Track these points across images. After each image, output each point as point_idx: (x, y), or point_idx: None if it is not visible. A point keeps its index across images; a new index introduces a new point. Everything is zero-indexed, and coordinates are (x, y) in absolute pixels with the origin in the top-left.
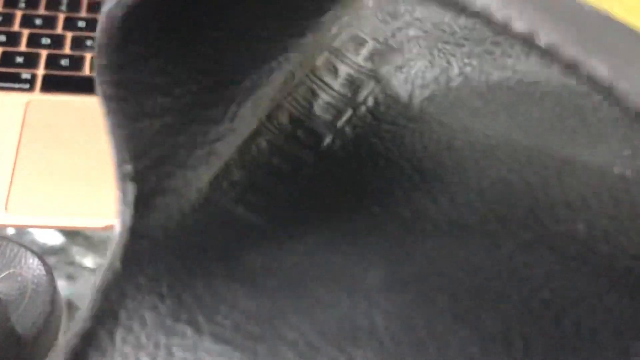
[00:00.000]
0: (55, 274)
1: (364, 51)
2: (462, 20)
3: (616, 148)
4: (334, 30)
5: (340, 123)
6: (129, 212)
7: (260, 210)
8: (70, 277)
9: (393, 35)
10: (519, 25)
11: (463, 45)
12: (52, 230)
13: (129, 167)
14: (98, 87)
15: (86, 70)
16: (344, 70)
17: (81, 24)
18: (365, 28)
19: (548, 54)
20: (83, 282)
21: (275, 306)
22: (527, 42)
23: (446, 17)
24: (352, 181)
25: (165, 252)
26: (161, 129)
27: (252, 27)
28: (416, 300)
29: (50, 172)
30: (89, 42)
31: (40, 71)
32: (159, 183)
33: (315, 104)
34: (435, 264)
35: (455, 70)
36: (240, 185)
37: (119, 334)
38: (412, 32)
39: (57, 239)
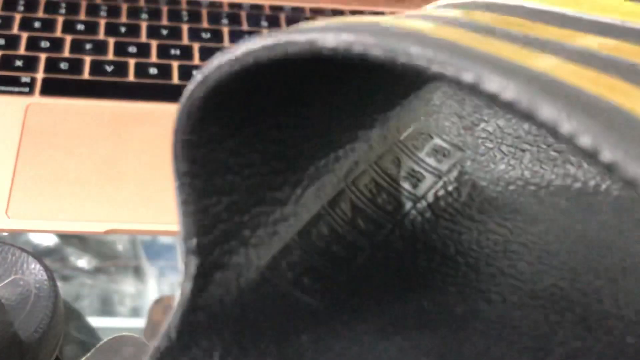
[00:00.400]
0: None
1: (428, 147)
2: (527, 126)
3: None
4: (401, 124)
5: (399, 215)
6: (189, 284)
7: (316, 294)
8: (65, 279)
9: (459, 135)
10: (585, 140)
11: (526, 150)
12: (48, 233)
13: (194, 241)
14: (173, 162)
15: (85, 74)
16: (407, 164)
17: (80, 27)
18: (432, 125)
19: (611, 170)
20: (77, 283)
21: None
22: (592, 156)
23: (513, 122)
24: (406, 273)
25: (220, 326)
26: (228, 207)
27: (324, 118)
28: None
29: (51, 176)
30: (88, 46)
31: (40, 74)
32: (221, 258)
33: (377, 195)
34: None
35: (517, 173)
36: (299, 268)
37: None
38: (477, 133)
39: (51, 240)
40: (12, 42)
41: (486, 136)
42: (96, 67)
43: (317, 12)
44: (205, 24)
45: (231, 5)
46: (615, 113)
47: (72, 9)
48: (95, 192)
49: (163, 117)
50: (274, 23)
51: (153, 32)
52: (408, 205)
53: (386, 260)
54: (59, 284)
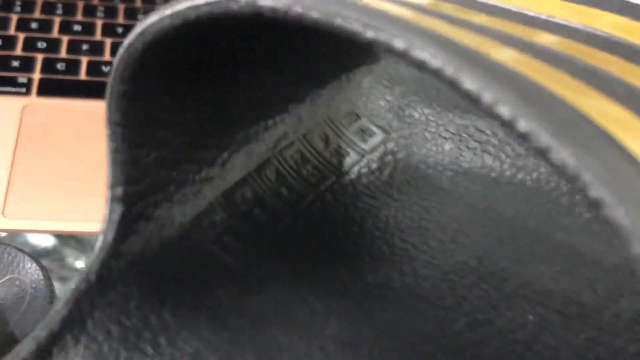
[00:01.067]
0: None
1: (355, 126)
2: (451, 115)
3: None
4: (332, 102)
5: (322, 187)
6: (112, 231)
7: (235, 253)
8: (63, 279)
9: (385, 118)
10: (503, 109)
11: (448, 138)
12: (45, 233)
13: (120, 190)
14: (106, 111)
15: (82, 74)
16: (334, 140)
17: (77, 27)
18: (361, 106)
19: (525, 139)
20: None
21: (235, 341)
22: (508, 126)
23: (438, 110)
24: (325, 241)
25: (139, 275)
26: (157, 161)
27: (257, 87)
28: (369, 358)
29: (48, 176)
30: (84, 46)
31: (37, 75)
32: (145, 210)
33: (302, 166)
34: (392, 328)
35: (438, 158)
36: (220, 227)
37: (83, 341)
38: (403, 118)
39: (49, 241)
40: (9, 42)
41: (411, 121)
42: (93, 68)
43: None
44: None
45: None
46: (532, 87)
47: (69, 10)
48: (92, 192)
49: None
50: None
51: None
52: (331, 179)
53: (306, 228)
54: (57, 285)
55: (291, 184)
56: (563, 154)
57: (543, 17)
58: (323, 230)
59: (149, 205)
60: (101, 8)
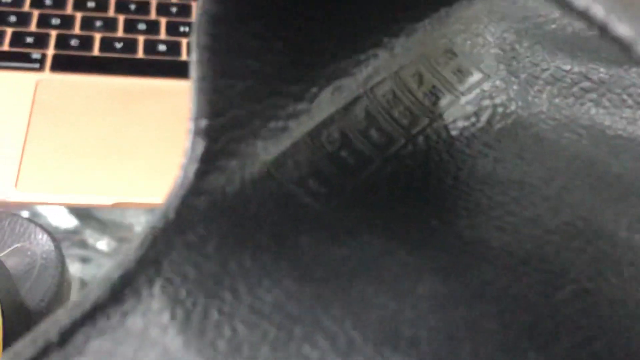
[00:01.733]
0: (69, 256)
1: (452, 65)
2: (561, 61)
3: None
4: (428, 38)
5: (415, 130)
6: (194, 166)
7: (320, 197)
8: (84, 260)
9: (486, 59)
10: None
11: (554, 84)
12: (65, 213)
13: (204, 122)
14: (195, 35)
15: (95, 50)
16: (428, 79)
17: (90, 4)
18: (459, 43)
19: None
20: (96, 265)
21: (319, 294)
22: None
23: (551, 55)
24: (416, 191)
25: (219, 215)
26: (243, 92)
27: (350, 17)
28: (464, 322)
29: (60, 150)
30: (98, 23)
31: (50, 51)
32: (229, 145)
33: (393, 106)
34: (490, 290)
35: (542, 107)
36: (305, 168)
37: (158, 283)
38: (507, 60)
39: (70, 223)
40: (24, 19)
41: (512, 63)
42: (106, 44)
43: None
44: None
45: None
46: None
47: None
48: (103, 166)
49: (172, 93)
50: None
51: (162, 10)
52: (424, 122)
53: (395, 174)
54: (78, 265)
55: (381, 125)
56: None
57: None
58: (414, 178)
59: (233, 140)
60: None
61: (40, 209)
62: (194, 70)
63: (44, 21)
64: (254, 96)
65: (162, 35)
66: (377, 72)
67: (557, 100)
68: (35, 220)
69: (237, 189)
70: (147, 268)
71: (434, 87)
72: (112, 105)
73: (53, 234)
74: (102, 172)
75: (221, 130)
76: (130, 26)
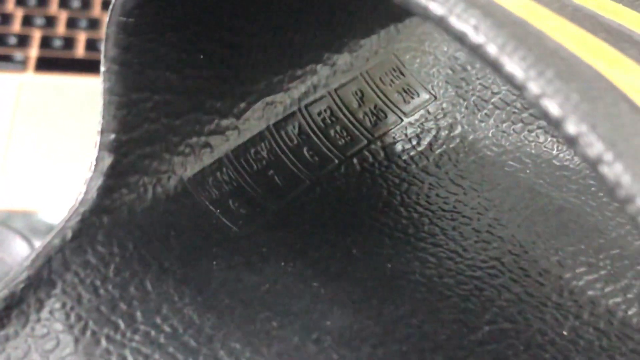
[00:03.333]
0: None
1: (398, 85)
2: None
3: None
4: (375, 55)
5: (350, 152)
6: (98, 182)
7: (239, 219)
8: None
9: (435, 79)
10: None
11: (501, 109)
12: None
13: (111, 136)
14: (103, 44)
15: (80, 51)
16: (370, 98)
17: (76, 4)
18: (408, 62)
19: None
20: None
21: (221, 324)
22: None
23: (496, 80)
24: (344, 215)
25: (124, 235)
26: (159, 106)
27: (288, 29)
28: None
29: (43, 153)
30: (83, 23)
31: (34, 52)
32: (140, 161)
33: (330, 125)
34: (402, 327)
35: (486, 132)
36: (227, 187)
37: (48, 306)
38: (456, 82)
39: (51, 225)
40: (7, 19)
41: (462, 86)
42: (90, 44)
43: None
44: None
45: None
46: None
47: None
48: (86, 170)
49: None
50: None
51: None
52: (362, 143)
53: (324, 197)
54: None
55: (315, 144)
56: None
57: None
58: (343, 202)
59: (144, 157)
60: None
61: (21, 213)
62: (102, 80)
63: (27, 21)
64: (171, 111)
65: None
66: (315, 89)
67: (504, 125)
68: (29, 218)
69: (147, 206)
70: (38, 289)
71: (376, 106)
72: (95, 106)
73: (32, 240)
74: (85, 175)
75: (131, 145)
76: None
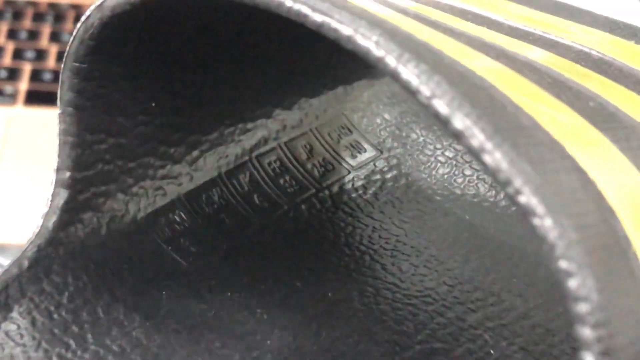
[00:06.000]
0: None
1: (345, 141)
2: (449, 140)
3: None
4: (324, 113)
5: (298, 199)
6: (53, 217)
7: (190, 256)
8: None
9: (379, 136)
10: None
11: (443, 163)
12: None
13: (66, 174)
14: (59, 88)
15: None
16: (319, 151)
17: (66, 37)
18: (355, 121)
19: (459, 137)
20: None
21: (166, 344)
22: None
23: (439, 134)
24: (290, 254)
25: (78, 265)
26: (113, 149)
27: (239, 86)
28: None
29: (33, 188)
30: None
31: (24, 85)
32: (94, 200)
33: (279, 175)
34: (338, 346)
35: (429, 182)
36: (178, 227)
37: (4, 327)
38: (399, 138)
39: None
40: None
41: (407, 142)
42: None
43: None
44: None
45: None
46: (470, 83)
47: (59, 19)
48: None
49: None
50: None
51: None
52: (310, 191)
53: (272, 238)
54: None
55: (265, 191)
56: (496, 157)
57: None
58: (291, 243)
59: (99, 195)
60: None
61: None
62: (58, 123)
63: (18, 54)
64: (125, 154)
65: None
66: (265, 141)
67: (446, 177)
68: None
69: (101, 240)
70: None
71: (324, 159)
72: None
73: None
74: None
75: (85, 183)
76: None
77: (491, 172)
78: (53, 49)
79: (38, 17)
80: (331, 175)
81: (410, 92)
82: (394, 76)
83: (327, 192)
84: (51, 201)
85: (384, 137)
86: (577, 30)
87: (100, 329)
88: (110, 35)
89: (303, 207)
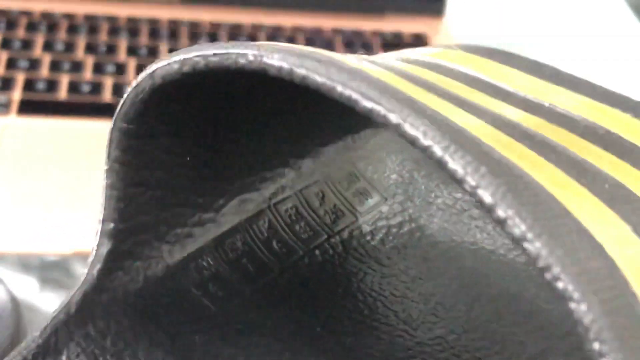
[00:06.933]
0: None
1: (354, 188)
2: (450, 189)
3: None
4: (333, 161)
5: (313, 245)
6: (99, 265)
7: (217, 300)
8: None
9: (384, 183)
10: (485, 196)
11: (442, 210)
12: (26, 262)
13: (110, 225)
14: (107, 147)
15: (63, 93)
16: (330, 198)
17: (59, 47)
18: (362, 168)
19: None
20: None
21: None
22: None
23: (439, 184)
24: (308, 299)
25: (119, 311)
26: (151, 200)
27: (259, 140)
28: None
29: (24, 197)
30: (66, 66)
31: (17, 94)
32: (134, 247)
33: (295, 221)
34: None
35: (431, 229)
36: (206, 273)
37: None
38: (403, 186)
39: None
40: None
41: (409, 189)
42: (73, 87)
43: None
44: (185, 42)
45: (212, 25)
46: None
47: (52, 28)
48: (66, 214)
49: None
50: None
51: (132, 51)
52: (323, 237)
53: (290, 283)
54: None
55: (282, 237)
56: (536, 246)
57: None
58: (308, 288)
59: (138, 243)
60: (84, 27)
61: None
62: (105, 177)
63: (12, 64)
64: (161, 204)
65: (130, 77)
66: (283, 190)
67: (446, 224)
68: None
69: (139, 287)
70: (47, 356)
71: (335, 206)
72: (78, 149)
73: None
74: (64, 219)
75: (127, 233)
76: (98, 68)
77: (532, 259)
78: (46, 59)
79: (31, 27)
80: (341, 222)
81: (455, 180)
82: (440, 165)
83: (338, 237)
84: (96, 250)
85: (388, 184)
86: (577, 103)
87: None
88: (158, 99)
89: (317, 252)
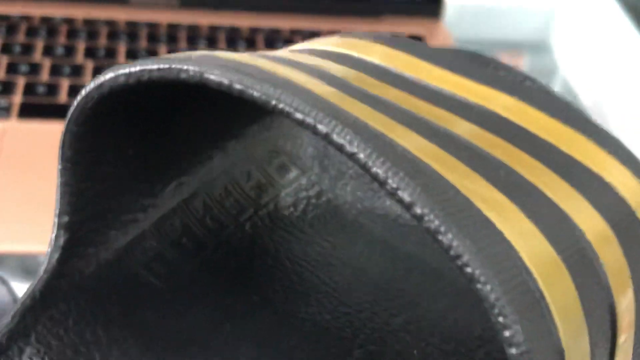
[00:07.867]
0: None
1: (276, 163)
2: None
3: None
4: (255, 140)
5: (242, 219)
6: (57, 254)
7: (163, 277)
8: None
9: (302, 157)
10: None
11: (353, 179)
12: (27, 263)
13: (65, 218)
14: (60, 149)
15: (63, 97)
16: (255, 175)
17: (59, 51)
18: (281, 145)
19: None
20: None
21: (157, 358)
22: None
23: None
24: (242, 270)
25: (77, 294)
26: (99, 192)
27: (191, 131)
28: None
29: (25, 200)
30: (66, 70)
31: (18, 99)
32: (87, 236)
33: (225, 198)
34: (297, 353)
35: (344, 198)
36: (150, 253)
37: (27, 351)
38: (318, 159)
39: (30, 272)
40: None
41: (324, 161)
42: (73, 91)
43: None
44: (183, 45)
45: (211, 29)
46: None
47: (52, 33)
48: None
49: None
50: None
51: (131, 55)
52: (250, 211)
53: (226, 257)
54: None
55: (215, 215)
56: (448, 238)
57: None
58: (242, 260)
59: (90, 231)
60: (83, 31)
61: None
62: (59, 176)
63: (12, 68)
64: (108, 195)
65: None
66: (212, 170)
67: (359, 193)
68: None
69: (92, 271)
70: (18, 339)
71: (259, 181)
72: None
73: (4, 278)
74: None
75: (80, 224)
76: (98, 72)
77: (445, 249)
78: (47, 63)
79: (31, 32)
80: (266, 195)
81: (377, 181)
82: (364, 169)
83: (265, 210)
84: (54, 241)
85: (305, 157)
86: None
87: (103, 349)
88: (104, 105)
89: (247, 225)
